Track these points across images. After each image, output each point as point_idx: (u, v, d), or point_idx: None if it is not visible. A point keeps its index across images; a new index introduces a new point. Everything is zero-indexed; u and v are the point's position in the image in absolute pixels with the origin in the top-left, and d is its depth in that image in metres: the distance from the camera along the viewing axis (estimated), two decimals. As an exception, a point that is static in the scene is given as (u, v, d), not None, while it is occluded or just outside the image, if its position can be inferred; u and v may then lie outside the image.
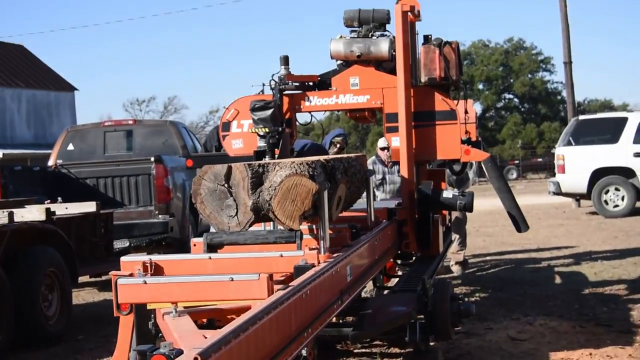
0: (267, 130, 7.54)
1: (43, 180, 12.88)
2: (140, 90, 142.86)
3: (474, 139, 9.13)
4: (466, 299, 8.97)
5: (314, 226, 5.32)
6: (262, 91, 7.94)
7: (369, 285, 8.14)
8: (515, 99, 65.17)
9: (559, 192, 20.69)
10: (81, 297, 11.95)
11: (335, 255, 5.03)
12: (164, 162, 12.28)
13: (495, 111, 64.48)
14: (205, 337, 3.46)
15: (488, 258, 13.59)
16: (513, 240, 15.57)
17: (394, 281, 8.50)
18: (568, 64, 33.13)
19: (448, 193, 7.82)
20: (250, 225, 4.87)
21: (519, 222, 8.03)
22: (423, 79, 7.83)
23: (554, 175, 21.45)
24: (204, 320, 4.58)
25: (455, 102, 8.01)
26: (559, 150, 20.66)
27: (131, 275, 4.62)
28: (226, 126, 8.10)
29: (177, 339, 3.59)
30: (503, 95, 64.80)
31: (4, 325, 7.95)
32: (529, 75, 63.12)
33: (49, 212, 8.93)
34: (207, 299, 4.29)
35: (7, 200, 10.63)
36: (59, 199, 10.84)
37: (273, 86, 7.81)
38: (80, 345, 8.61)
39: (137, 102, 67.72)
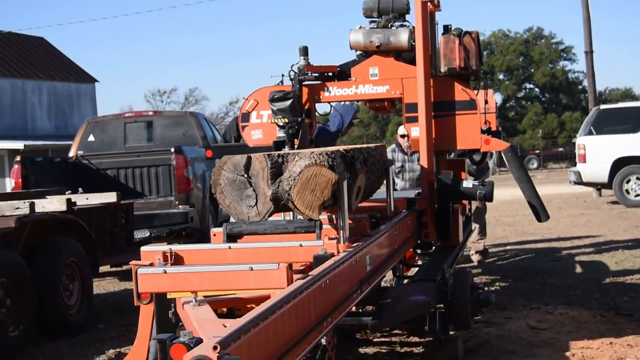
0: (286, 120, 7.55)
1: (64, 171, 12.95)
2: (162, 82, 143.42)
3: (494, 128, 9.09)
4: (486, 288, 8.95)
5: (333, 216, 5.33)
6: (282, 82, 7.94)
7: (389, 274, 8.14)
8: (536, 89, 64.92)
9: (579, 182, 20.61)
10: (102, 286, 12.02)
11: (354, 244, 5.03)
12: (184, 152, 12.32)
13: (515, 101, 64.26)
14: (225, 326, 3.47)
15: (508, 247, 13.56)
16: (533, 230, 15.53)
17: (413, 271, 8.50)
18: (589, 53, 32.95)
19: (468, 183, 7.81)
20: (269, 215, 4.89)
21: (539, 212, 8.01)
22: (443, 69, 7.82)
23: (574, 164, 21.37)
24: (224, 309, 4.60)
25: (475, 92, 7.99)
26: (580, 140, 20.57)
27: (151, 265, 4.64)
28: (245, 117, 8.12)
29: (197, 328, 3.61)
30: (524, 85, 64.57)
31: (26, 315, 8.01)
32: (550, 65, 62.84)
33: (70, 202, 8.99)
34: (227, 288, 4.30)
35: (29, 191, 10.71)
36: (80, 189, 10.92)
37: (292, 77, 7.81)
38: (101, 335, 8.66)
39: (159, 93, 67.93)
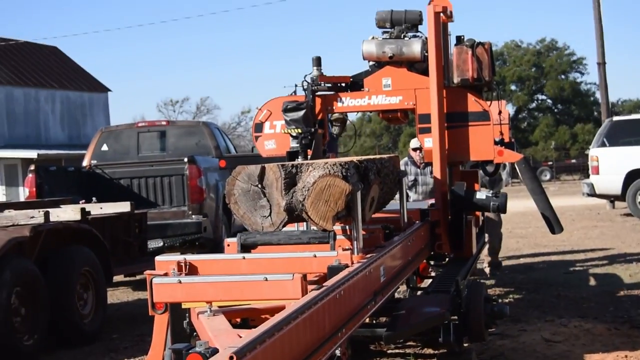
0: (299, 131, 7.56)
1: (78, 180, 12.99)
2: (174, 91, 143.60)
3: (507, 140, 9.07)
4: (500, 300, 8.93)
5: (347, 227, 5.33)
6: (295, 92, 7.96)
7: (402, 286, 8.13)
8: (548, 100, 64.80)
9: (593, 194, 20.54)
10: (116, 296, 12.03)
11: (368, 255, 5.03)
12: (197, 162, 12.34)
13: (527, 112, 64.15)
14: (240, 337, 3.48)
15: (522, 259, 13.53)
16: (547, 242, 15.49)
17: (427, 282, 8.49)
18: (602, 64, 32.84)
19: (481, 194, 7.80)
20: (283, 226, 4.90)
21: (553, 224, 8.00)
22: (456, 79, 7.82)
23: (587, 176, 21.30)
24: (238, 319, 4.61)
25: (488, 102, 7.99)
26: (593, 152, 20.51)
27: (166, 274, 4.65)
28: (259, 127, 8.13)
29: (212, 338, 3.62)
30: (535, 96, 64.46)
31: (40, 324, 8.03)
32: (562, 76, 62.75)
33: (84, 212, 9.01)
34: (242, 298, 4.31)
35: (43, 200, 10.75)
36: (94, 199, 10.94)
37: (305, 87, 7.83)
38: (115, 344, 8.67)
39: (171, 102, 68.13)
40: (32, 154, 33.42)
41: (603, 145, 20.26)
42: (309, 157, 7.47)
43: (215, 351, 3.22)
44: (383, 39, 7.92)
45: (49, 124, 40.69)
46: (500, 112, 8.61)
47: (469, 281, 7.13)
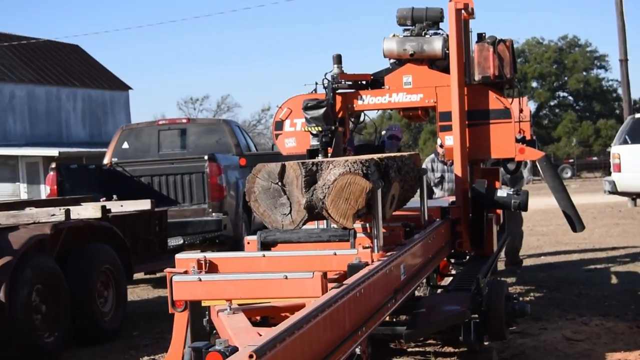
0: (320, 129, 7.54)
1: (98, 178, 13.04)
2: (194, 89, 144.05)
3: (528, 137, 9.04)
4: (521, 299, 8.89)
5: (367, 225, 5.31)
6: (315, 90, 7.94)
7: (423, 284, 8.10)
8: (570, 97, 64.55)
9: (614, 191, 20.41)
10: (136, 293, 12.07)
11: (388, 253, 5.01)
12: (218, 160, 12.35)
13: (549, 109, 63.93)
14: (260, 335, 3.47)
15: (543, 257, 13.47)
16: (568, 240, 15.41)
17: (447, 280, 8.46)
18: (624, 61, 32.68)
19: (502, 192, 7.75)
20: (303, 224, 4.88)
21: (575, 222, 7.94)
22: (477, 77, 7.78)
23: (609, 174, 21.17)
24: (258, 317, 4.60)
25: (510, 100, 7.94)
26: (615, 149, 20.38)
27: (186, 272, 4.65)
28: (279, 125, 8.12)
29: (232, 336, 3.61)
30: (557, 93, 64.23)
31: (61, 322, 8.06)
32: (583, 73, 62.49)
33: (104, 209, 9.03)
34: (261, 296, 4.30)
35: (64, 197, 10.80)
36: (114, 196, 10.98)
37: (326, 85, 7.81)
38: (135, 342, 8.70)
39: (191, 100, 68.25)
40: (54, 152, 33.58)
41: (625, 142, 20.12)
42: (329, 155, 7.46)
43: (234, 349, 3.22)
44: (404, 36, 7.89)
45: (71, 122, 40.88)
46: (521, 110, 8.57)
47: (490, 279, 7.10)
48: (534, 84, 62.43)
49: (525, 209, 7.86)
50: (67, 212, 8.48)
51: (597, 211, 22.08)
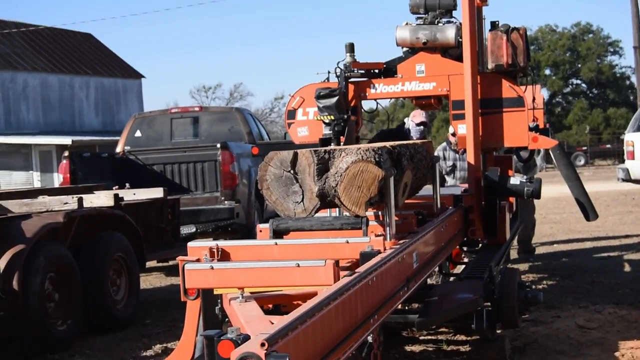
0: (332, 117, 7.54)
1: (111, 166, 13.06)
2: (207, 78, 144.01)
3: (541, 126, 9.01)
4: (533, 287, 8.87)
5: (379, 212, 5.31)
6: (328, 79, 7.93)
7: (435, 272, 8.10)
8: (583, 85, 64.32)
9: (628, 179, 20.27)
10: (148, 282, 12.10)
11: (401, 241, 5.01)
12: (230, 148, 12.35)
13: (562, 96, 63.72)
14: (272, 323, 3.47)
15: (555, 245, 13.44)
16: (581, 228, 15.37)
17: (460, 268, 8.44)
18: (638, 48, 32.55)
19: (515, 180, 7.74)
20: (316, 212, 4.88)
21: (588, 211, 7.94)
22: (490, 65, 7.75)
23: (622, 161, 21.07)
24: (270, 305, 4.60)
25: (523, 88, 7.91)
26: (629, 136, 20.24)
27: (198, 260, 4.66)
28: (292, 114, 8.11)
29: (244, 325, 3.61)
30: (570, 81, 64.01)
31: (74, 310, 8.08)
32: (597, 61, 62.24)
33: (117, 198, 9.04)
34: (274, 284, 4.30)
35: (77, 186, 10.81)
36: (127, 185, 10.99)
37: (338, 74, 7.80)
38: (147, 330, 8.72)
39: (204, 88, 68.30)
40: (67, 140, 33.66)
41: (639, 130, 20.01)
42: (341, 144, 7.45)
43: (247, 337, 3.21)
44: (417, 24, 7.87)
45: (83, 110, 40.97)
46: (534, 98, 8.55)
47: (503, 267, 7.08)
48: (548, 72, 62.20)
49: (539, 197, 7.84)
50: (80, 201, 8.49)
51: (610, 199, 22.02)
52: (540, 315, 7.99)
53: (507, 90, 7.69)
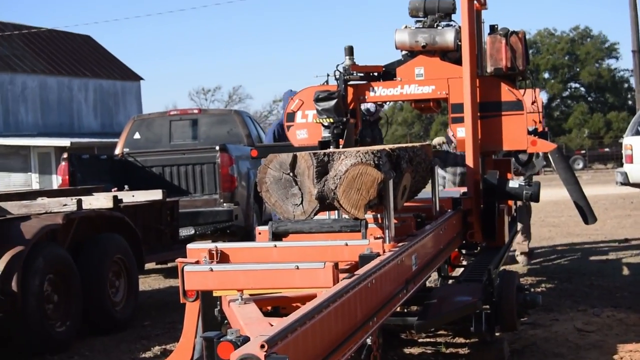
0: (331, 120, 7.54)
1: (110, 168, 13.06)
2: (206, 80, 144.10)
3: (540, 129, 9.01)
4: (532, 290, 8.89)
5: (378, 215, 5.32)
6: (327, 82, 7.93)
7: (434, 274, 8.10)
8: (582, 88, 64.36)
9: (626, 183, 20.30)
10: (147, 283, 12.10)
11: (400, 244, 5.01)
12: (229, 150, 12.36)
13: (561, 100, 63.78)
14: (272, 325, 3.48)
15: (554, 248, 13.44)
16: (579, 231, 15.38)
17: (458, 271, 8.45)
18: (637, 52, 32.58)
19: (514, 183, 7.75)
20: (315, 214, 4.89)
21: (587, 214, 7.92)
22: (489, 69, 7.76)
23: (621, 165, 21.08)
24: (269, 308, 4.61)
25: (522, 91, 7.92)
26: (627, 140, 20.26)
27: (197, 262, 4.66)
28: (291, 117, 8.12)
29: (244, 326, 3.62)
30: (569, 85, 64.06)
31: (72, 311, 8.09)
32: (596, 64, 62.29)
33: (116, 199, 9.05)
34: (273, 286, 4.31)
35: (76, 188, 10.82)
36: (126, 187, 10.99)
37: (337, 77, 7.80)
38: (146, 331, 8.72)
39: (203, 91, 68.44)
40: (65, 142, 33.66)
41: (637, 133, 20.00)
42: (340, 146, 7.45)
43: (246, 339, 3.22)
44: (416, 28, 7.87)
45: (82, 112, 40.97)
46: (533, 102, 8.55)
47: (501, 270, 7.09)
48: (546, 76, 62.26)
49: (537, 200, 7.85)
50: (79, 202, 8.50)
51: (608, 202, 22.03)
52: (539, 318, 8.00)
53: (506, 93, 7.69)
